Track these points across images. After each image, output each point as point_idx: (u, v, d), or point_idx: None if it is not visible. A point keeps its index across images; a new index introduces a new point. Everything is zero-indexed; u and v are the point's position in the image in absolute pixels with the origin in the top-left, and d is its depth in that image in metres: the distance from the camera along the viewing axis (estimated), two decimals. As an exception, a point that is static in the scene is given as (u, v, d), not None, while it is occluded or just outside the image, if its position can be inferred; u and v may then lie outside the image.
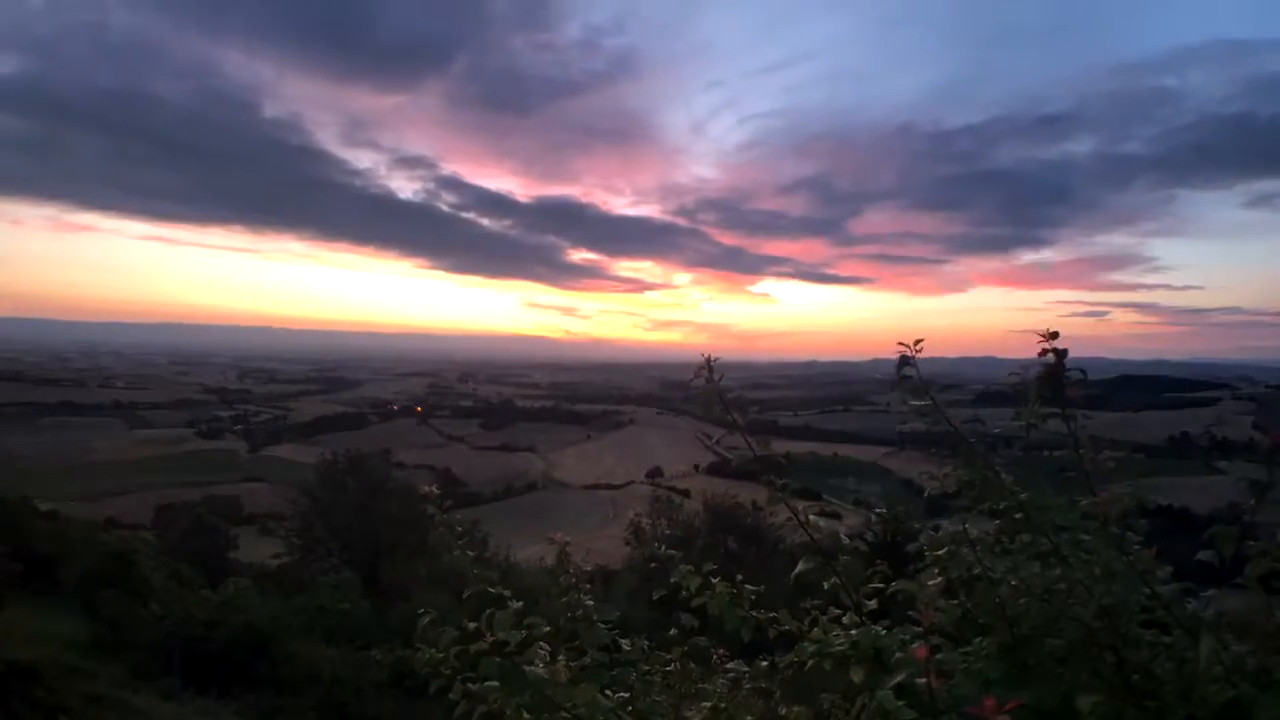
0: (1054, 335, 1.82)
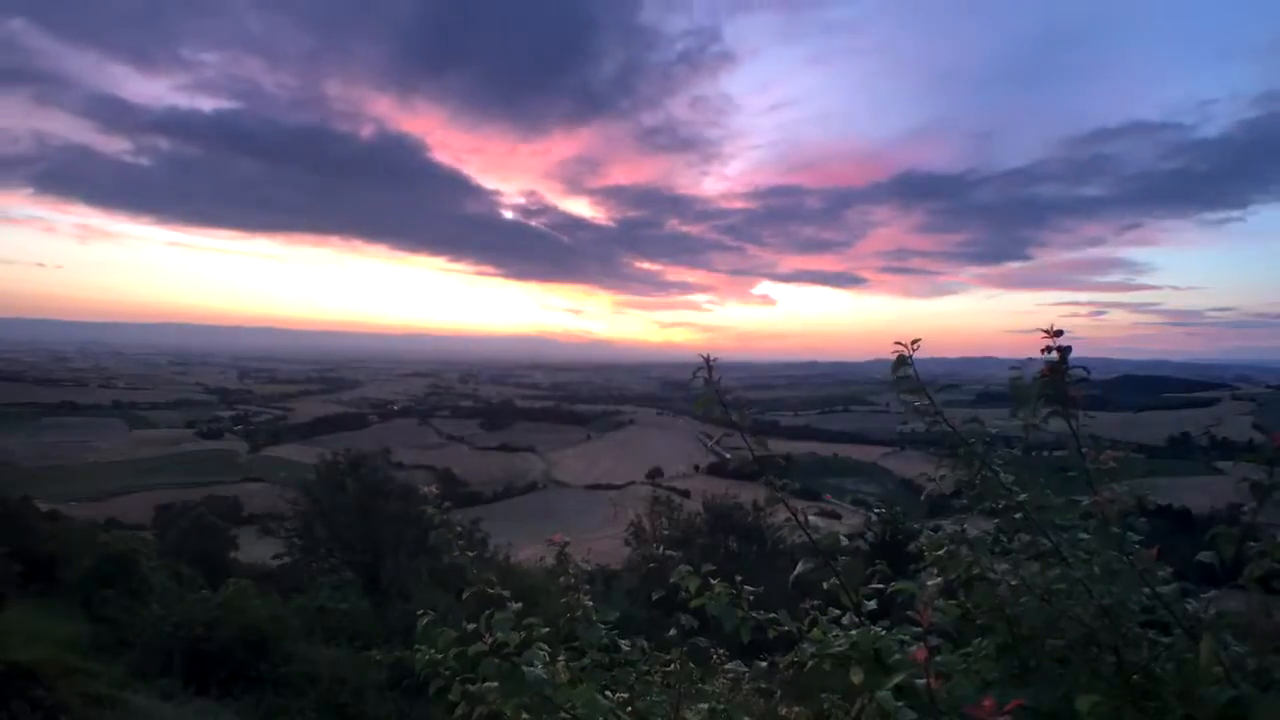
0: (1058, 333, 1.81)
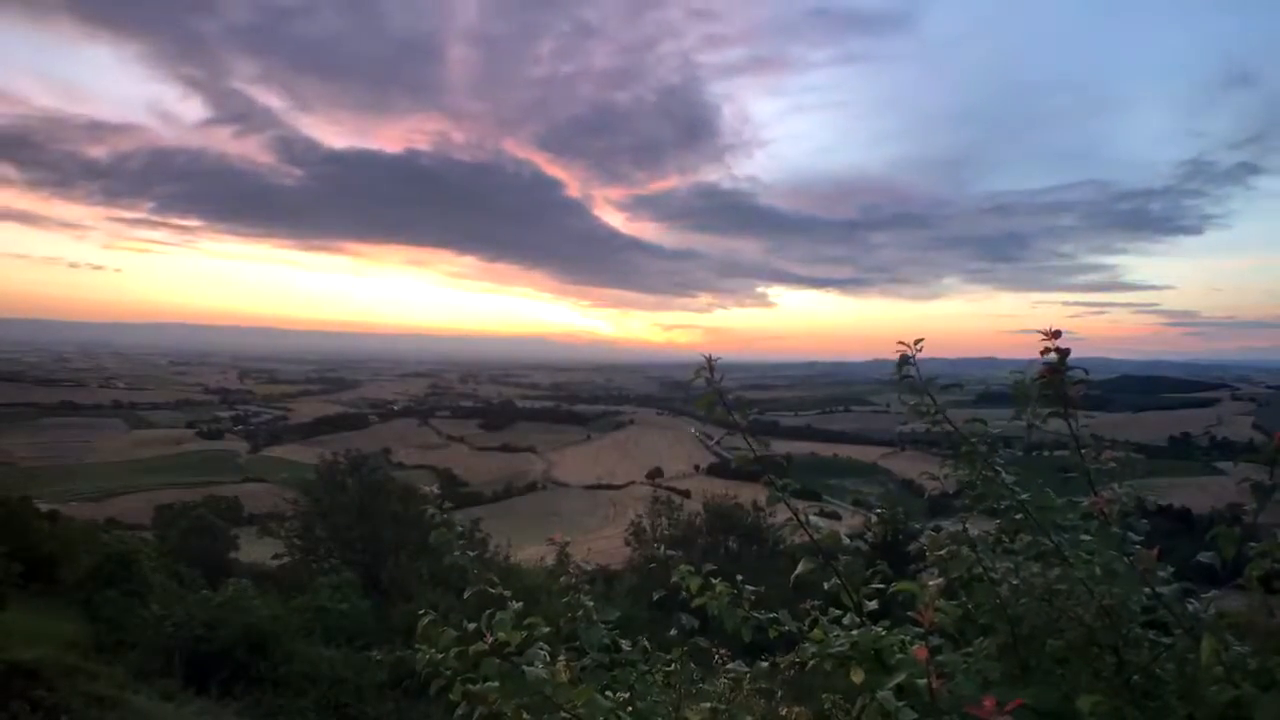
0: (1056, 334, 1.81)
